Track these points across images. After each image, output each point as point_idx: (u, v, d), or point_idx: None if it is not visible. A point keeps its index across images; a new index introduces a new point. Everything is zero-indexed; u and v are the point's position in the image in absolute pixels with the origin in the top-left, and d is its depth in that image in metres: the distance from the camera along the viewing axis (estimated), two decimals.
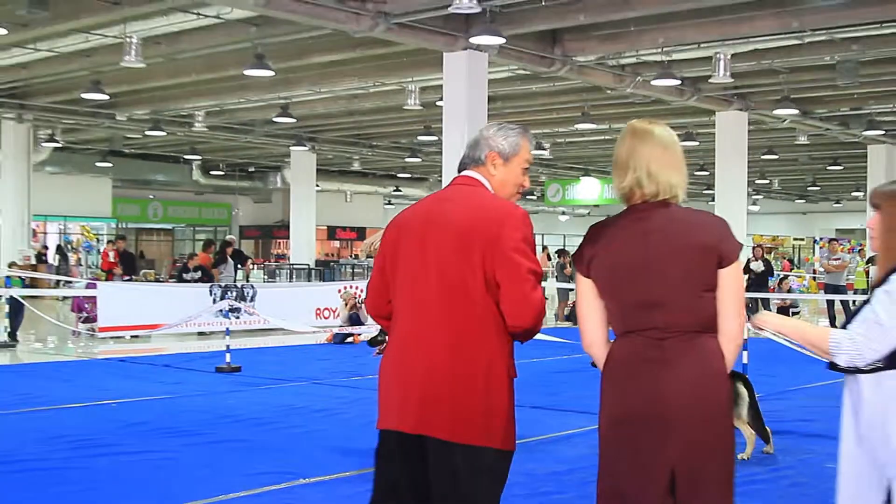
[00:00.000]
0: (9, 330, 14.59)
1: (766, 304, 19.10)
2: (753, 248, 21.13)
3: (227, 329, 12.69)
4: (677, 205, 3.07)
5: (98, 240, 32.00)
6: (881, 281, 3.17)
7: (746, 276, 19.07)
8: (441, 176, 15.97)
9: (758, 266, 19.63)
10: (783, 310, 20.05)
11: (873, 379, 3.13)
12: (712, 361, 2.98)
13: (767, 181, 36.07)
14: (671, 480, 2.93)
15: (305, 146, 26.88)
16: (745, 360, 8.96)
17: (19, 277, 16.28)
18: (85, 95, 17.91)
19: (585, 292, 3.13)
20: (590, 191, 30.44)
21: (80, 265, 30.67)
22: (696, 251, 2.97)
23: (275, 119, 21.48)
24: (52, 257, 29.84)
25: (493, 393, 3.13)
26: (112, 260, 20.15)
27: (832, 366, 3.20)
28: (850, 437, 3.21)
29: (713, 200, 20.44)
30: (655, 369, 2.96)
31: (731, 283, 3.00)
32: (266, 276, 29.70)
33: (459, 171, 3.39)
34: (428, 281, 3.19)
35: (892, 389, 3.11)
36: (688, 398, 2.93)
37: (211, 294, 16.54)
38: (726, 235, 3.01)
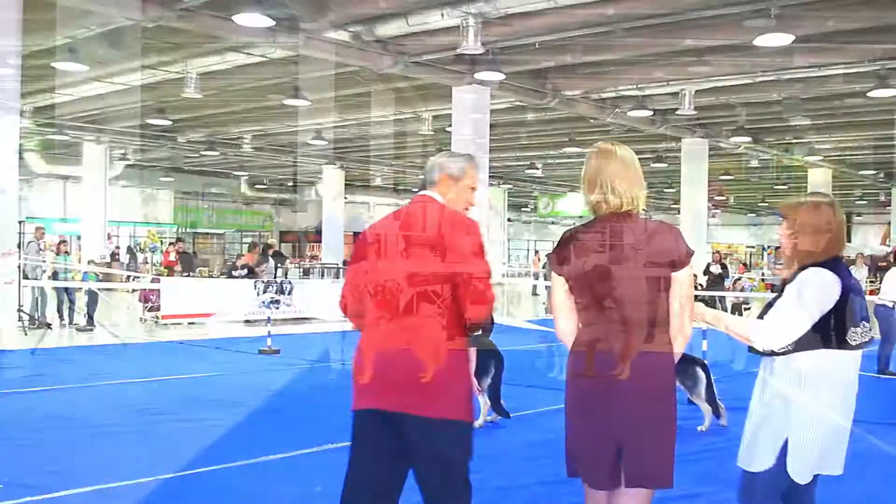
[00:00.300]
0: (87, 316, 14.66)
1: (722, 301, 19.05)
2: (713, 254, 21.14)
3: (269, 318, 12.70)
4: (638, 215, 3.06)
5: (161, 242, 32.05)
6: (791, 279, 3.22)
7: (707, 278, 19.07)
8: None
9: (716, 269, 19.64)
10: (737, 306, 19.99)
11: (784, 359, 3.19)
12: (662, 351, 2.99)
13: (724, 198, 35.93)
14: (619, 450, 2.96)
15: (335, 165, 26.90)
16: (704, 348, 8.95)
17: (95, 273, 16.34)
18: (151, 121, 17.97)
19: (558, 289, 3.14)
20: (575, 205, 30.37)
21: (147, 263, 30.73)
22: (652, 256, 2.96)
23: (310, 142, 21.48)
24: (124, 256, 29.88)
25: (457, 375, 3.18)
26: (172, 259, 20.17)
27: (752, 349, 3.26)
28: (759, 402, 3.30)
29: (679, 214, 20.41)
30: (612, 356, 2.96)
31: (681, 285, 2.98)
32: (301, 274, 29.65)
33: (419, 191, 3.42)
34: (398, 282, 3.19)
35: (798, 367, 3.17)
36: (638, 381, 2.93)
37: (255, 288, 16.57)
38: (679, 243, 2.99)
